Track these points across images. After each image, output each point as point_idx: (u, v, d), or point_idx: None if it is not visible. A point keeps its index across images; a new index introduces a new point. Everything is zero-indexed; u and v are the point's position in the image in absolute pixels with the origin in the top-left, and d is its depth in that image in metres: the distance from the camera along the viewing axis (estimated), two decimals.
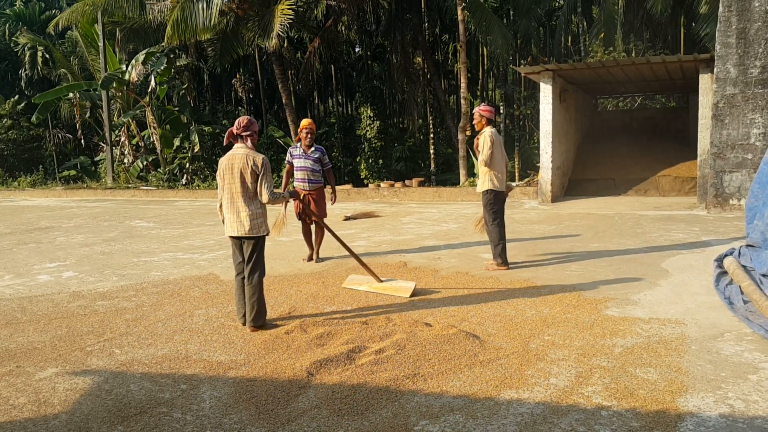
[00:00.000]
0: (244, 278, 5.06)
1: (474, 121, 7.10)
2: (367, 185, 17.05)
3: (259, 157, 4.92)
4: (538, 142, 14.19)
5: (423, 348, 4.38)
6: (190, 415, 3.50)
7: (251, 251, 4.98)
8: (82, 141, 25.77)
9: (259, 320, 5.03)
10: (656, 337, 4.53)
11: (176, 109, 23.37)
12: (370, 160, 17.27)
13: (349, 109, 32.40)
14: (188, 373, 4.12)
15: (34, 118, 23.65)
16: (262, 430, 3.28)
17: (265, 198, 4.91)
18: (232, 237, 5.03)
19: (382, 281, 6.24)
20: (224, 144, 5.25)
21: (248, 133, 4.99)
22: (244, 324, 5.10)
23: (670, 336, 4.55)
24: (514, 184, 6.86)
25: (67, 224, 12.69)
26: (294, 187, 7.60)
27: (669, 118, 18.23)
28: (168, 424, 3.39)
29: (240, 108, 29.77)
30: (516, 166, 16.51)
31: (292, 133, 20.58)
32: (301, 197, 6.46)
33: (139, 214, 14.11)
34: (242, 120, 5.02)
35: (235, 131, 5.00)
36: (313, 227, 7.79)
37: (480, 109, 7.02)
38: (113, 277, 7.31)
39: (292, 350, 4.47)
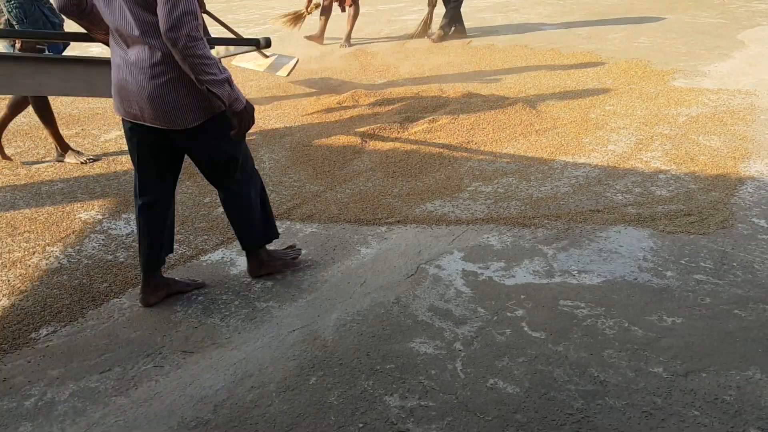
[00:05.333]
0: None
1: None
2: None
3: None
4: None
5: (477, 118, 4.31)
6: None
7: None
8: None
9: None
10: (723, 107, 4.32)
11: None
12: None
13: None
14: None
15: None
16: (321, 187, 3.41)
17: None
18: None
19: (267, 56, 5.02)
20: None
21: None
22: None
23: (738, 106, 4.33)
24: None
25: None
26: None
27: None
28: None
29: None
30: None
31: None
32: None
33: None
34: None
35: None
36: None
37: None
38: None
39: (345, 119, 4.48)
